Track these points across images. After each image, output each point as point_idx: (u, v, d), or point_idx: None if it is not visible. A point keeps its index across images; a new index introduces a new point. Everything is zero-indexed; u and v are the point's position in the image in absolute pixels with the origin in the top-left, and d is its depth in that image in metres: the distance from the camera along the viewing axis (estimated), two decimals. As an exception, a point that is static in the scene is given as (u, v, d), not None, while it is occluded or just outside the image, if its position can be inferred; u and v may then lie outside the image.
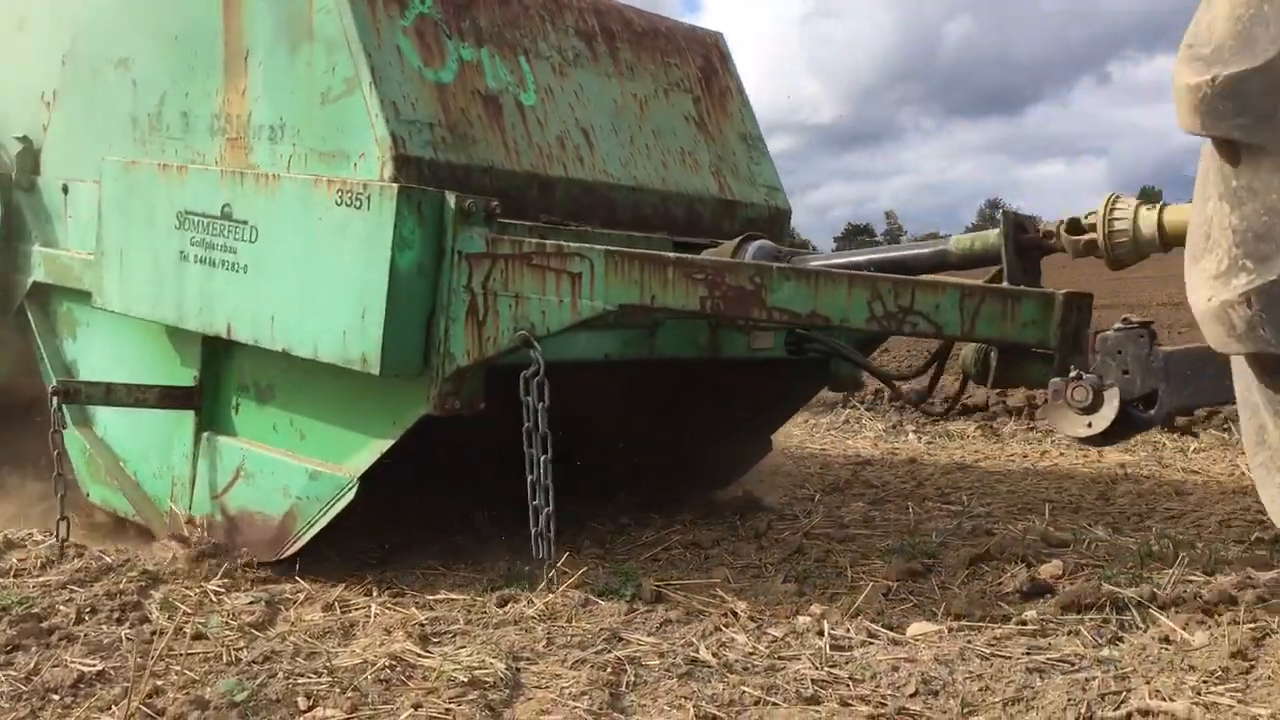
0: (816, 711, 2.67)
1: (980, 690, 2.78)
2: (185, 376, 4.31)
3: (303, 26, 3.93)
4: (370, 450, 3.75)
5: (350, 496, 3.75)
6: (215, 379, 4.28)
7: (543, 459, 3.40)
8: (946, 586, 3.79)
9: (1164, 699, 2.64)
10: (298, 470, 3.92)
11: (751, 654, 3.09)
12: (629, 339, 4.09)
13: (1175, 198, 3.40)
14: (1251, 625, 3.17)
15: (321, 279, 3.59)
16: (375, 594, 3.71)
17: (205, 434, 4.25)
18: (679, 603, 3.54)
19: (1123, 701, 2.66)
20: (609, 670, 2.91)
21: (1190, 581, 3.71)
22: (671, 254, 3.44)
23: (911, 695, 2.76)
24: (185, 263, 4.03)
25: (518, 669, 2.95)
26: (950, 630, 3.26)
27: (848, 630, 3.27)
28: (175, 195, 4.08)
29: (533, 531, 3.41)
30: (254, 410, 4.17)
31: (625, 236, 4.18)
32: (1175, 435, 7.48)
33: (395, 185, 3.42)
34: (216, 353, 4.24)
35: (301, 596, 3.69)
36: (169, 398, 4.25)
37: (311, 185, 3.63)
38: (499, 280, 3.47)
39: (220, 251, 3.91)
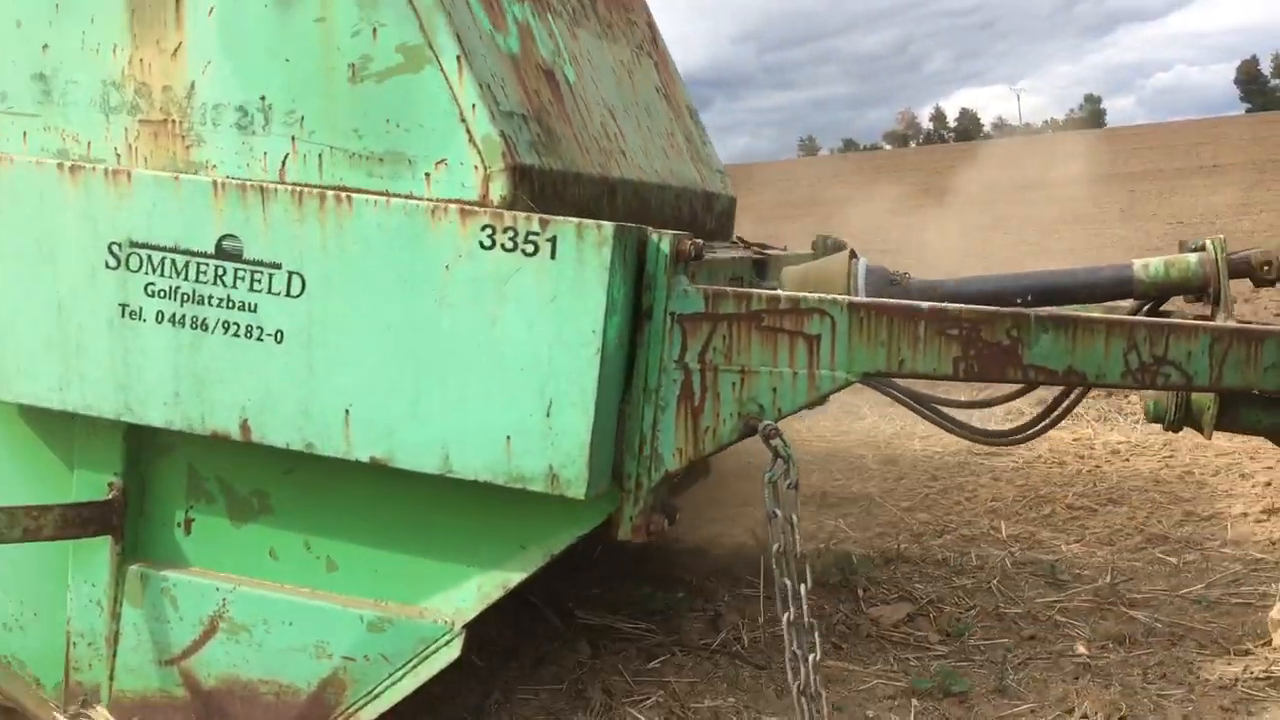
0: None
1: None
2: (89, 484, 2.83)
3: (306, -40, 2.60)
4: (480, 587, 2.63)
5: (453, 651, 2.62)
6: (140, 483, 2.85)
7: (802, 589, 2.52)
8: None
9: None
10: (342, 617, 2.68)
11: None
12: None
13: None
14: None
15: (454, 356, 2.39)
16: None
17: (134, 567, 2.82)
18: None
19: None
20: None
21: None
22: (922, 304, 2.64)
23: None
24: (134, 323, 2.58)
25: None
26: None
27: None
28: (103, 216, 2.58)
29: (793, 688, 2.53)
30: (224, 529, 2.81)
31: (729, 260, 3.27)
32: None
33: (605, 224, 2.32)
34: (141, 443, 2.82)
35: None
36: (75, 522, 2.77)
37: (425, 214, 2.39)
38: (720, 350, 2.50)
39: (219, 308, 2.52)
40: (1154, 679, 3.20)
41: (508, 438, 2.37)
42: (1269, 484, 4.97)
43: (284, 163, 2.65)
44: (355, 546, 2.72)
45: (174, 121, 2.72)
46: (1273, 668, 3.21)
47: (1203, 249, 3.18)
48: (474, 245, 2.36)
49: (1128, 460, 5.59)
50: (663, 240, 2.44)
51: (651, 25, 4.32)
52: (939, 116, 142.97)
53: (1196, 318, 3.20)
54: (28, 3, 2.79)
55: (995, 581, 3.98)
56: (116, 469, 2.80)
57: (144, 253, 2.56)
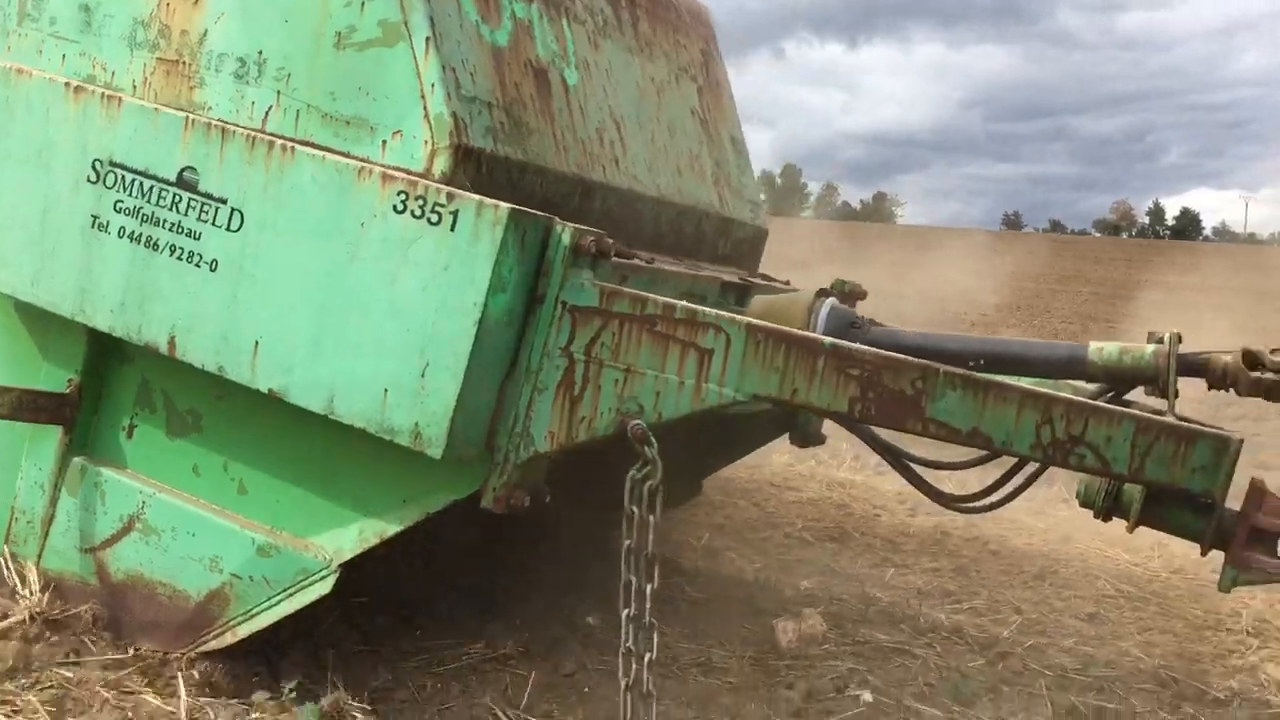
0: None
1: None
2: (52, 377, 3.10)
3: (315, -66, 2.82)
4: (360, 532, 2.78)
5: (325, 587, 2.77)
6: (98, 385, 3.11)
7: (647, 589, 2.60)
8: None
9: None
10: (238, 537, 2.87)
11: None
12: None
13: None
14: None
15: (355, 308, 2.56)
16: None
17: (77, 459, 3.08)
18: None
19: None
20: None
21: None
22: (825, 339, 2.69)
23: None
24: (100, 234, 2.83)
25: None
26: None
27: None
28: (92, 134, 2.86)
29: (621, 684, 2.60)
30: (160, 439, 3.04)
31: (687, 276, 3.36)
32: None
33: (502, 205, 2.46)
34: (106, 349, 3.07)
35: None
36: (30, 407, 3.04)
37: (353, 173, 2.58)
38: (608, 346, 2.60)
39: (170, 232, 2.76)
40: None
41: (385, 391, 2.53)
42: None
43: (267, 114, 2.86)
44: (265, 475, 2.91)
45: (184, 63, 2.97)
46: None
47: (1162, 341, 3.12)
48: (388, 208, 2.53)
49: (913, 514, 5.66)
50: (565, 232, 2.55)
51: (707, 53, 4.44)
52: (1156, 212, 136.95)
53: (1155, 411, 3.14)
54: None
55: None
56: (78, 368, 3.06)
57: (119, 172, 2.81)
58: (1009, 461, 3.61)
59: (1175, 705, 3.55)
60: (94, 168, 2.84)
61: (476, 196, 2.48)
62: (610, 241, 2.65)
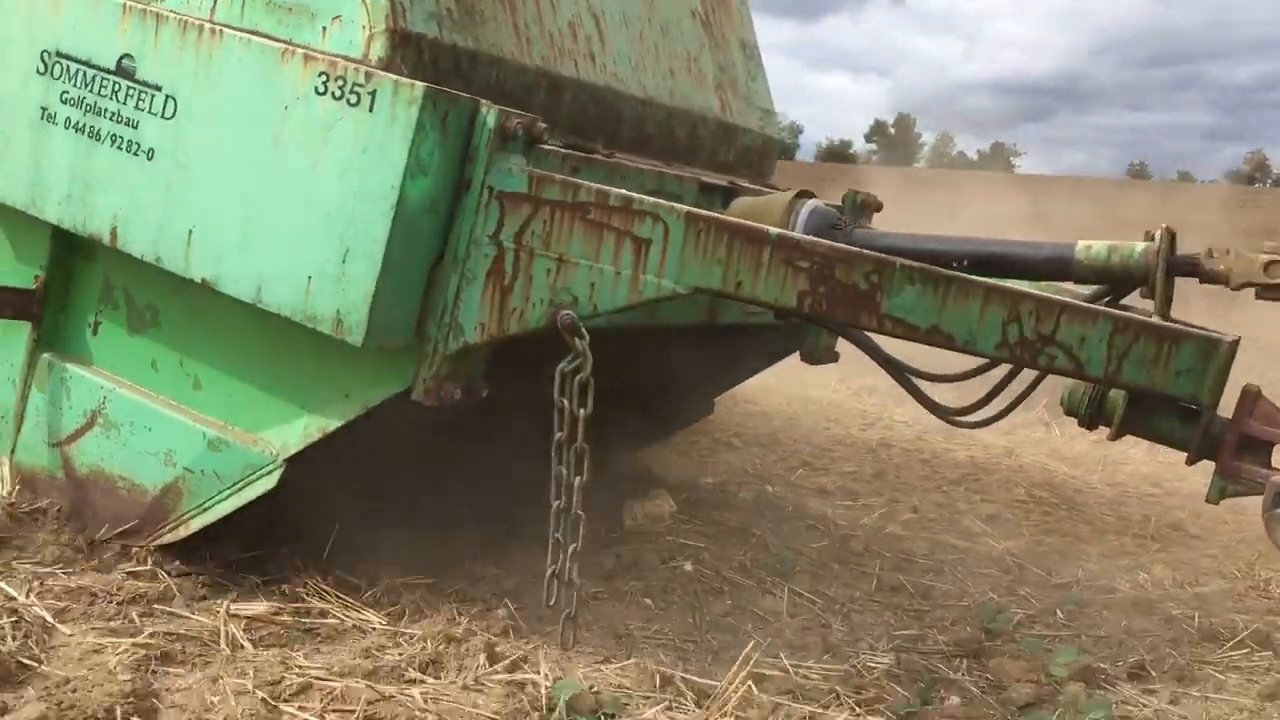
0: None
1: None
2: (20, 274, 3.13)
3: None
4: (305, 427, 2.75)
5: (270, 482, 2.76)
6: (65, 281, 3.12)
7: (576, 482, 2.53)
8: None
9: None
10: (190, 432, 2.87)
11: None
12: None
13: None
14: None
15: (280, 194, 2.51)
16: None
17: (45, 356, 3.10)
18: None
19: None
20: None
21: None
22: (771, 229, 2.57)
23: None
24: (49, 125, 2.83)
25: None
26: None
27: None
28: (40, 25, 2.84)
29: (547, 571, 2.56)
30: (122, 335, 3.05)
31: (655, 173, 3.24)
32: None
33: (418, 84, 2.38)
34: (71, 246, 3.08)
35: None
36: (-1, 303, 3.07)
37: (277, 55, 2.52)
38: (539, 234, 2.51)
39: (111, 122, 2.73)
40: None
41: (309, 278, 2.48)
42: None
43: (215, 3, 2.82)
44: (218, 371, 2.90)
45: (137, -46, 2.94)
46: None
47: (1154, 239, 2.93)
48: (310, 89, 2.46)
49: (865, 429, 5.53)
50: (490, 114, 2.46)
51: (713, -47, 4.27)
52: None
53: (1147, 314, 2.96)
54: None
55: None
56: (43, 264, 3.08)
57: (65, 63, 2.79)
58: (1024, 378, 3.45)
59: (1012, 589, 3.49)
60: (42, 59, 2.83)
61: (395, 76, 2.40)
62: (542, 125, 2.55)
